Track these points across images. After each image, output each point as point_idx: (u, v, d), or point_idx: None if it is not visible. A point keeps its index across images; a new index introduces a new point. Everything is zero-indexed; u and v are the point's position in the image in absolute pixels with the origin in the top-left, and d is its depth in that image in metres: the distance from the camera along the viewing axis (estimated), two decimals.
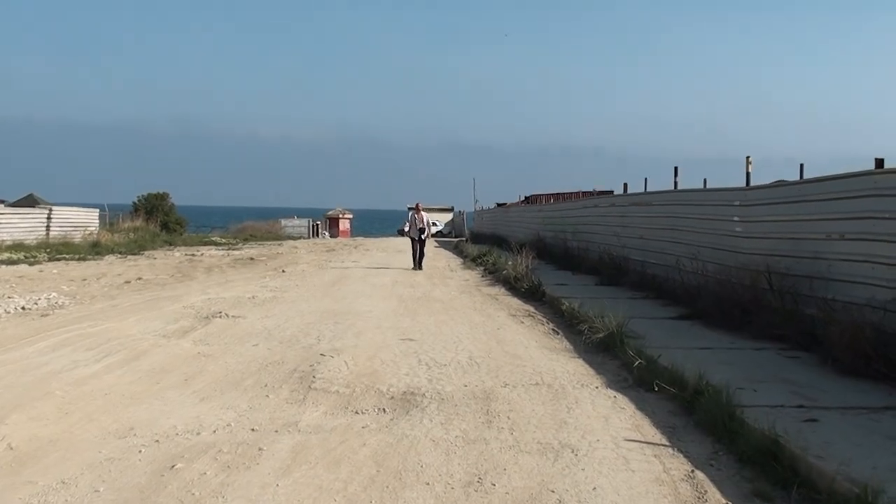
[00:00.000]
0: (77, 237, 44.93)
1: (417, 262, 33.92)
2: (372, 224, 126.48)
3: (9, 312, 18.08)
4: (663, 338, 14.20)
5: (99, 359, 12.96)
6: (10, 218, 43.04)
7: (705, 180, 21.43)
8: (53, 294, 21.62)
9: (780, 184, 16.49)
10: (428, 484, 7.61)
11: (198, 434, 9.01)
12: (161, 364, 12.65)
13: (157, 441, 8.74)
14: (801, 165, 18.74)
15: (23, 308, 18.83)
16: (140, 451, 8.39)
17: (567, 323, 16.72)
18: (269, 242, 60.19)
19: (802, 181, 16.29)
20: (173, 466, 7.97)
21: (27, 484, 7.50)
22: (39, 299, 20.32)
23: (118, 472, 7.82)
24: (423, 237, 34.50)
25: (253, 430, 9.18)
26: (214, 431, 9.11)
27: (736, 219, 17.48)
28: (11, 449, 8.44)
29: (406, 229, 35.63)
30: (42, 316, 17.64)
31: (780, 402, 9.72)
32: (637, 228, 24.69)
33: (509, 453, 8.43)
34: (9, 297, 20.58)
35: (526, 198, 61.32)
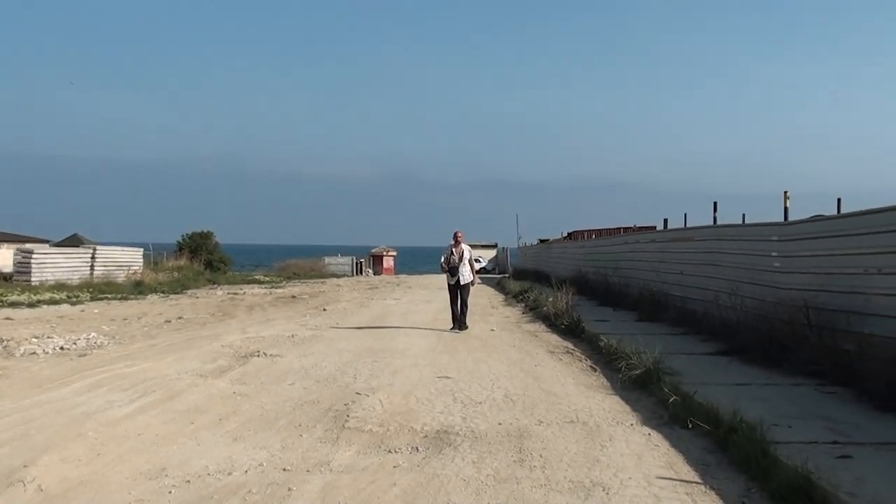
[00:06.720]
0: (121, 277, 45.22)
1: (458, 319, 23.64)
2: (416, 261, 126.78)
3: (47, 353, 18.24)
4: (700, 374, 14.10)
5: (134, 399, 13.01)
6: (55, 258, 43.47)
7: (744, 216, 21.30)
8: (93, 334, 21.79)
9: (817, 218, 16.35)
10: None
11: (229, 474, 9.02)
12: (196, 404, 12.68)
13: (188, 482, 8.77)
14: (839, 200, 18.55)
15: (61, 348, 18.99)
16: (170, 493, 8.43)
17: (605, 359, 16.55)
18: (312, 280, 60.60)
19: (839, 216, 16.18)
20: None
21: None
22: (79, 339, 20.50)
23: None
24: (461, 280, 23.69)
25: (284, 469, 9.19)
26: (246, 472, 9.12)
27: (774, 254, 17.34)
28: (42, 490, 8.50)
29: (442, 262, 24.21)
30: (80, 356, 17.77)
31: (815, 439, 9.63)
32: (676, 264, 24.58)
33: (540, 492, 8.39)
34: (48, 338, 20.76)
35: (568, 234, 61.34)
